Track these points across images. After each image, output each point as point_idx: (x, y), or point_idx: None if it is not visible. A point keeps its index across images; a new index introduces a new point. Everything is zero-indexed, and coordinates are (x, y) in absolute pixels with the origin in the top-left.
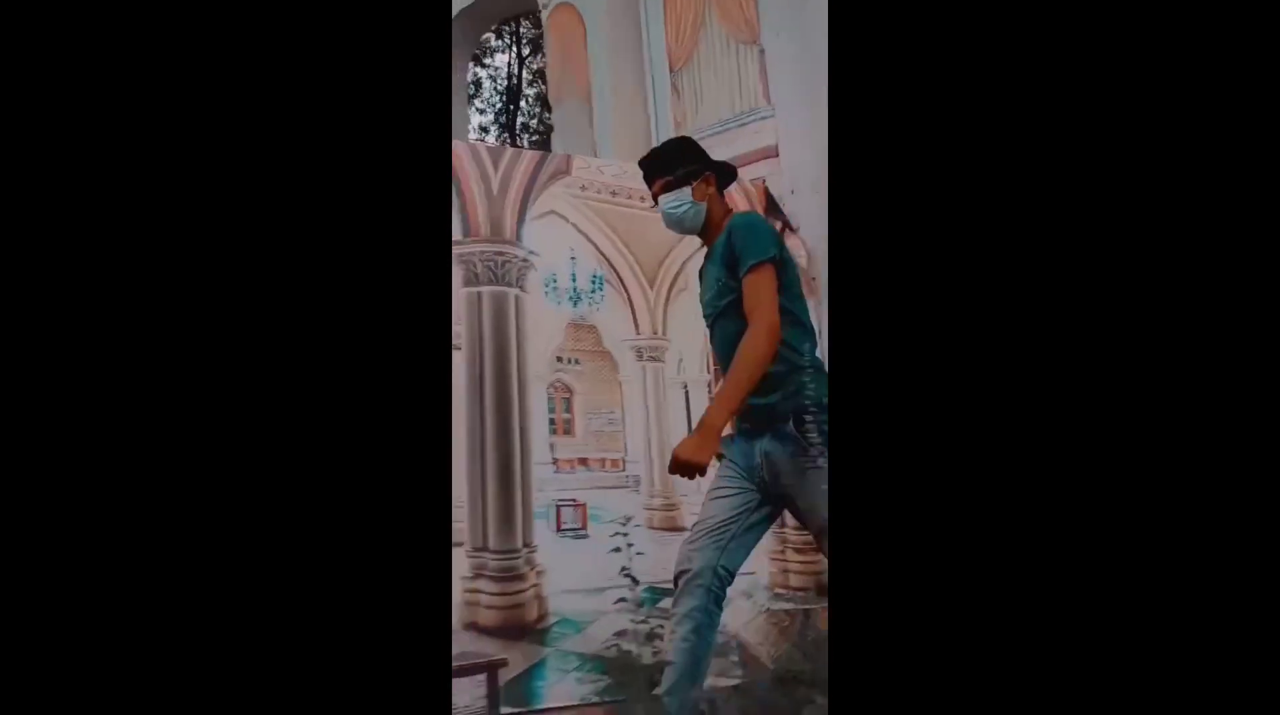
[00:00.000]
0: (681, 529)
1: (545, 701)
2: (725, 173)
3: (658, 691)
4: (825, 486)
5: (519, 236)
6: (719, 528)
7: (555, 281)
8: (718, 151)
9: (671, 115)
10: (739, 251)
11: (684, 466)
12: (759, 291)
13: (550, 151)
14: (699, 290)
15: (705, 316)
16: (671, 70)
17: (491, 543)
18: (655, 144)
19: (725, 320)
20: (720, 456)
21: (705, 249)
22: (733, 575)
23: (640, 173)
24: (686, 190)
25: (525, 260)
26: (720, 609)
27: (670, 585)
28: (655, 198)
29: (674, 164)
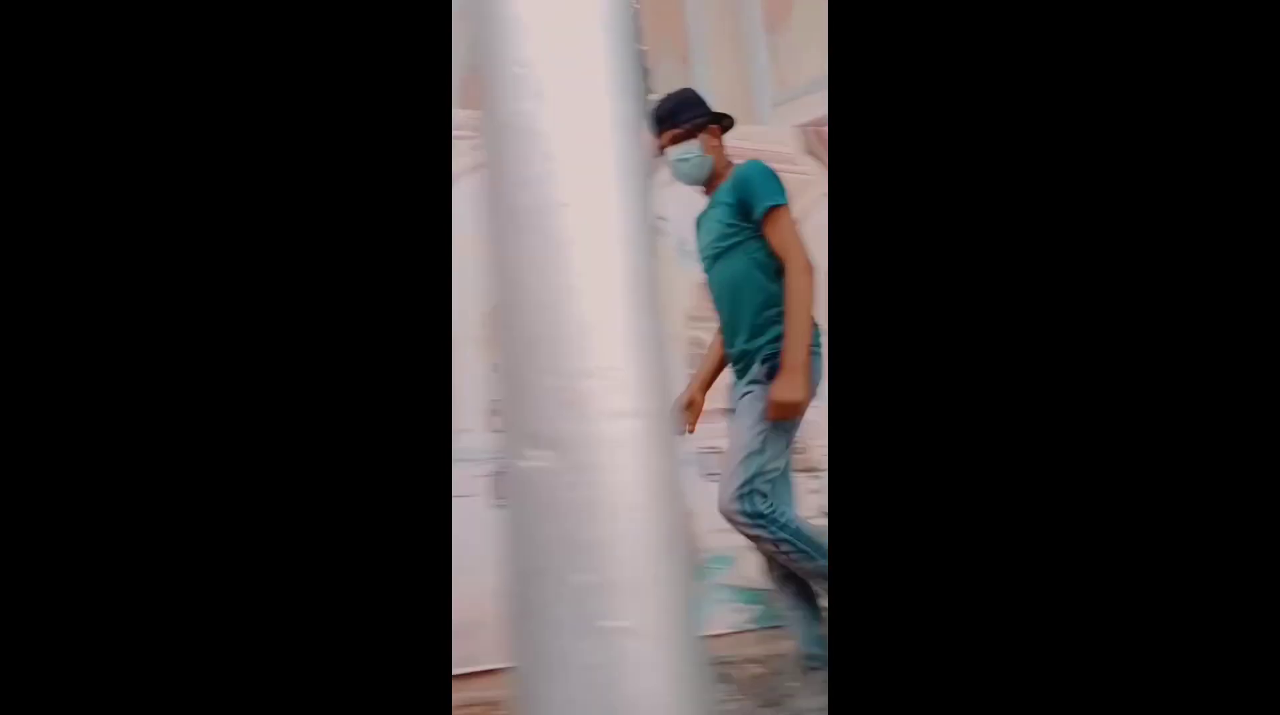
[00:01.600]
0: (813, 469)
1: (704, 630)
2: (726, 123)
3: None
4: (752, 414)
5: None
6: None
7: (684, 245)
8: (816, 111)
9: (770, 75)
10: (753, 195)
11: (787, 407)
12: (785, 233)
13: None
14: (696, 239)
15: (703, 258)
16: (768, 30)
17: None
18: (755, 104)
19: (727, 260)
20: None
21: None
22: (766, 496)
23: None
24: (695, 142)
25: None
26: (783, 516)
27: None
28: (662, 149)
29: (682, 115)
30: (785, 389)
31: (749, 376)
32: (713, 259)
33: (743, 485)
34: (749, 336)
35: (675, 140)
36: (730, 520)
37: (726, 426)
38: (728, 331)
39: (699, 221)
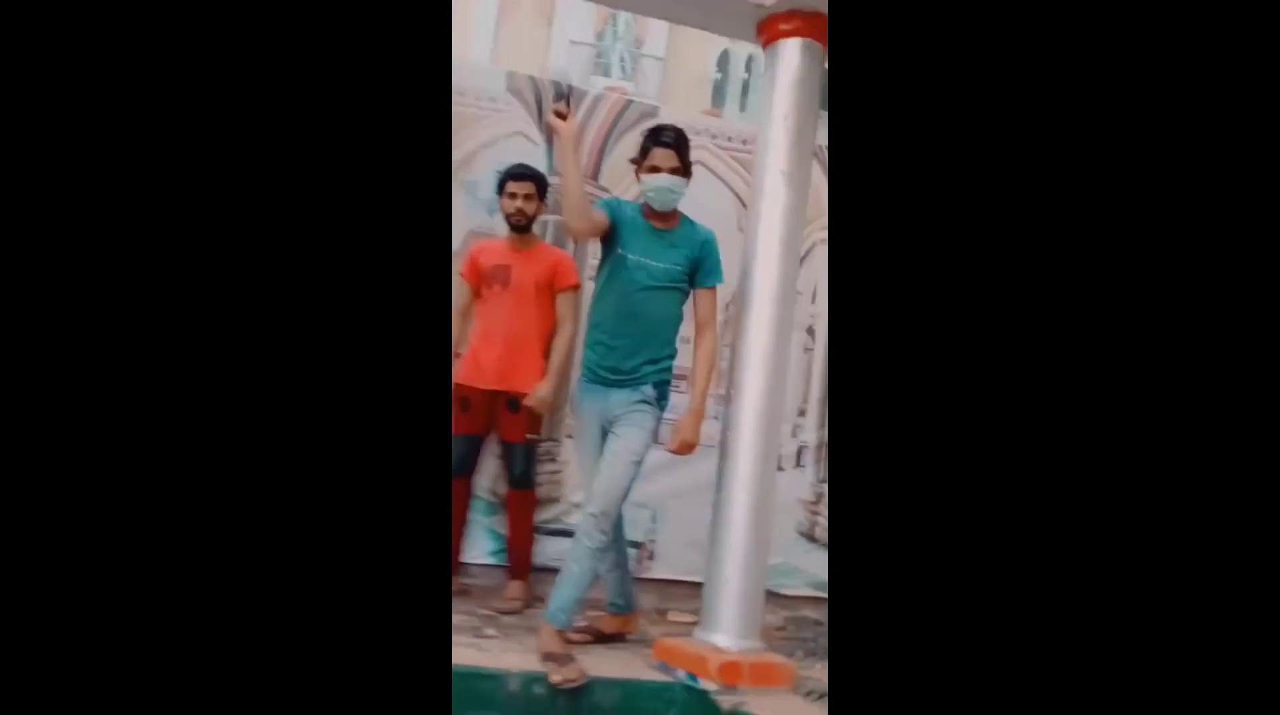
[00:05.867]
0: None
1: None
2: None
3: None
4: (643, 423)
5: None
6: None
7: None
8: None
9: None
10: (709, 267)
11: (688, 447)
12: (712, 308)
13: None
14: (640, 252)
15: (641, 276)
16: None
17: None
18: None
19: (663, 298)
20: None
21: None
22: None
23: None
24: (684, 180)
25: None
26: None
27: None
28: (656, 170)
29: (685, 151)
30: (692, 432)
31: (637, 393)
32: (652, 290)
33: (627, 492)
34: (643, 361)
35: (675, 171)
36: (607, 515)
37: (578, 419)
38: (628, 346)
39: (651, 244)
